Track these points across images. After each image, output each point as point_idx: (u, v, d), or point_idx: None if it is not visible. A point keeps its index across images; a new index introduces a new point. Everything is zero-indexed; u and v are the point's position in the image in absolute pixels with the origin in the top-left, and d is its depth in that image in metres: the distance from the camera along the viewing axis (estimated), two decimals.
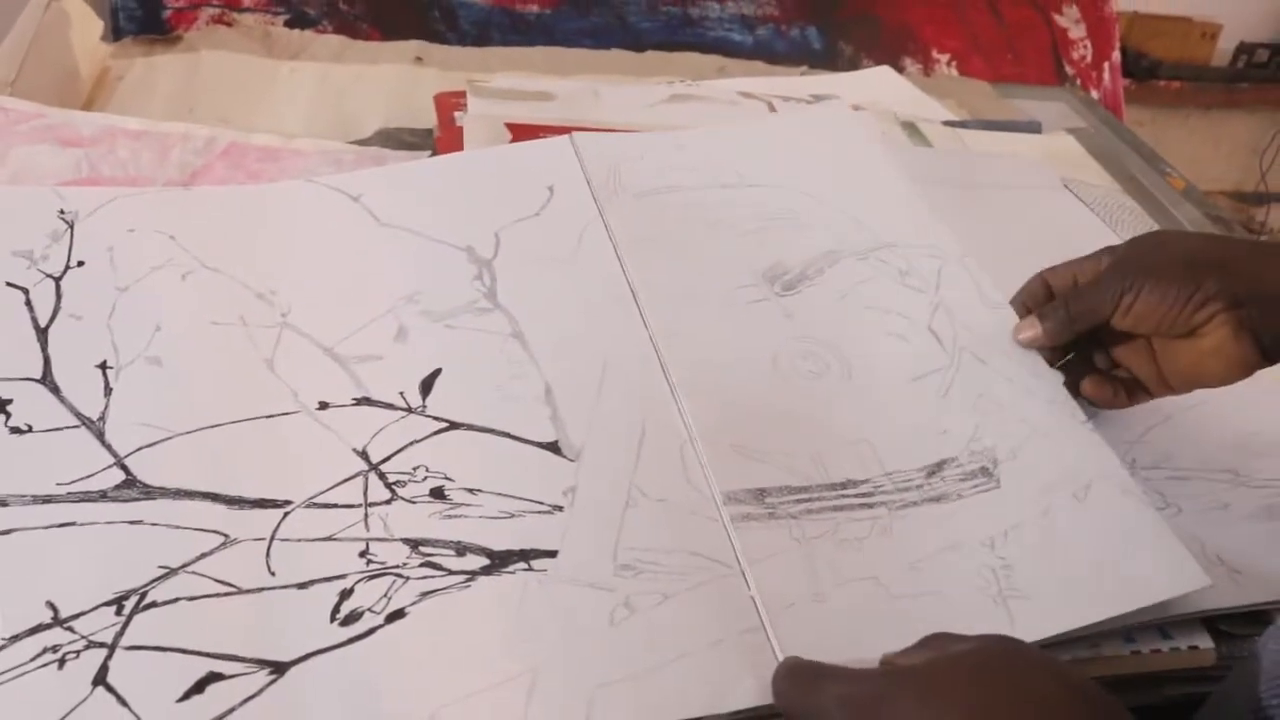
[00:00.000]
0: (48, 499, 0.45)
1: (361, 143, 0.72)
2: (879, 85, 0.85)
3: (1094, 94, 1.26)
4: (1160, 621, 0.46)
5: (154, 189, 0.63)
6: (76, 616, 0.41)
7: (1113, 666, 0.45)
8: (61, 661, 0.39)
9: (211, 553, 0.44)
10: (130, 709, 0.38)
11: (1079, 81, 1.26)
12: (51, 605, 0.41)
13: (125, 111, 0.73)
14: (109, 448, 0.47)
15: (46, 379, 0.50)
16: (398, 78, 0.81)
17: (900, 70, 1.10)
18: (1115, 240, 0.70)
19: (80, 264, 0.56)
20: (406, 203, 0.61)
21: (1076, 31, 1.27)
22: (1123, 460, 0.52)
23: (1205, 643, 0.46)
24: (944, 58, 1.20)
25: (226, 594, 0.42)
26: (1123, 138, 0.87)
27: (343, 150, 0.69)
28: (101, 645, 0.40)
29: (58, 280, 0.55)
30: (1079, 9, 1.25)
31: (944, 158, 0.75)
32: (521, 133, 0.69)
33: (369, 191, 0.61)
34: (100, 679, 0.39)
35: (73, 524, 0.44)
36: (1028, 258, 0.66)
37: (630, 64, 0.86)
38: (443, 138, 0.70)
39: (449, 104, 0.72)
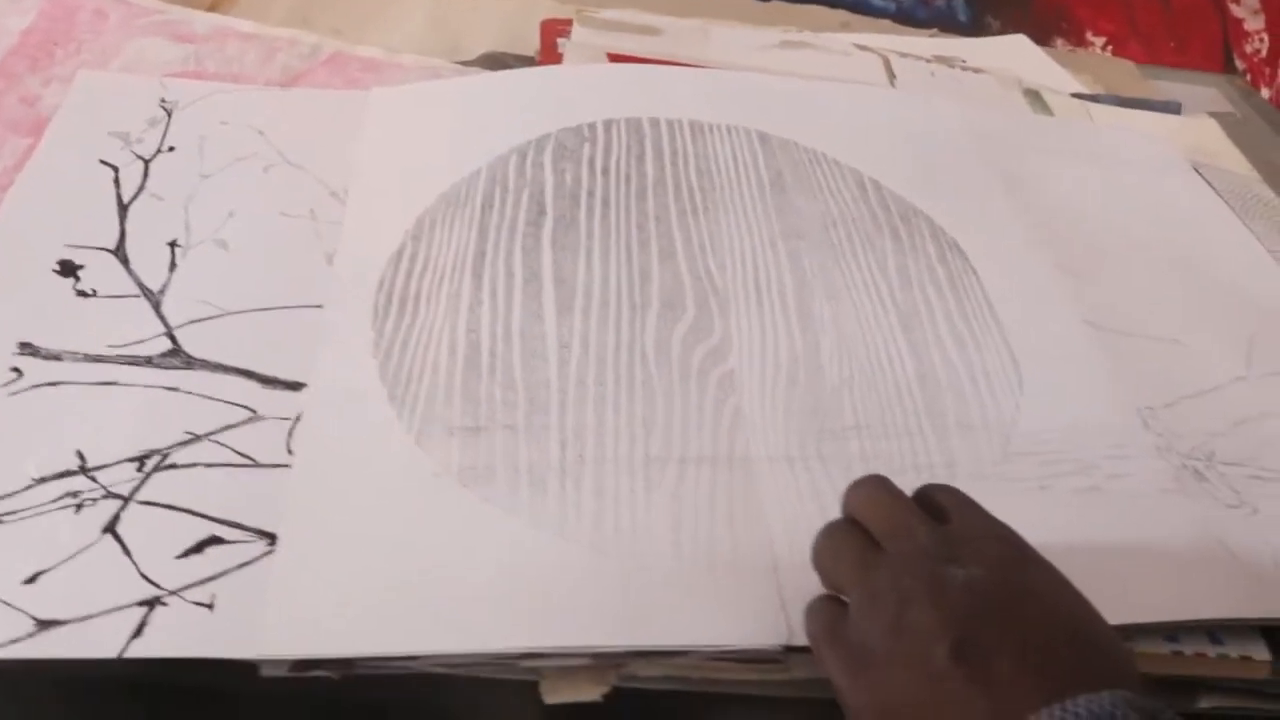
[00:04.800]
0: (98, 358, 0.46)
1: (466, 63, 0.72)
2: (1010, 53, 0.81)
3: (1264, 91, 1.18)
4: (1211, 624, 0.42)
5: (254, 87, 0.64)
6: (101, 468, 0.42)
7: (1148, 665, 0.41)
8: (79, 507, 0.41)
9: (238, 425, 0.44)
10: (131, 558, 0.39)
11: (1249, 77, 1.17)
12: (80, 454, 0.42)
13: (247, 16, 0.74)
14: (163, 318, 0.49)
15: (119, 250, 0.52)
16: (515, 3, 0.80)
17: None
18: (1243, 231, 0.65)
19: (171, 149, 0.58)
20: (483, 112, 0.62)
21: (1253, 23, 1.18)
22: (1199, 451, 0.48)
23: (1261, 653, 0.42)
24: (1099, 41, 1.13)
25: (243, 465, 0.43)
26: (1277, 129, 0.81)
27: (444, 68, 0.69)
28: (118, 497, 0.41)
29: (147, 162, 0.57)
30: None
31: (1060, 126, 0.70)
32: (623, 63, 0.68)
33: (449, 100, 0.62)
34: (110, 528, 0.40)
35: (115, 383, 0.45)
36: (1141, 236, 0.62)
37: (751, 11, 0.84)
38: (542, 64, 0.69)
39: (554, 30, 0.71)
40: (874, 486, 0.39)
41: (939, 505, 0.38)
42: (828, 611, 0.37)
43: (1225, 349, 0.55)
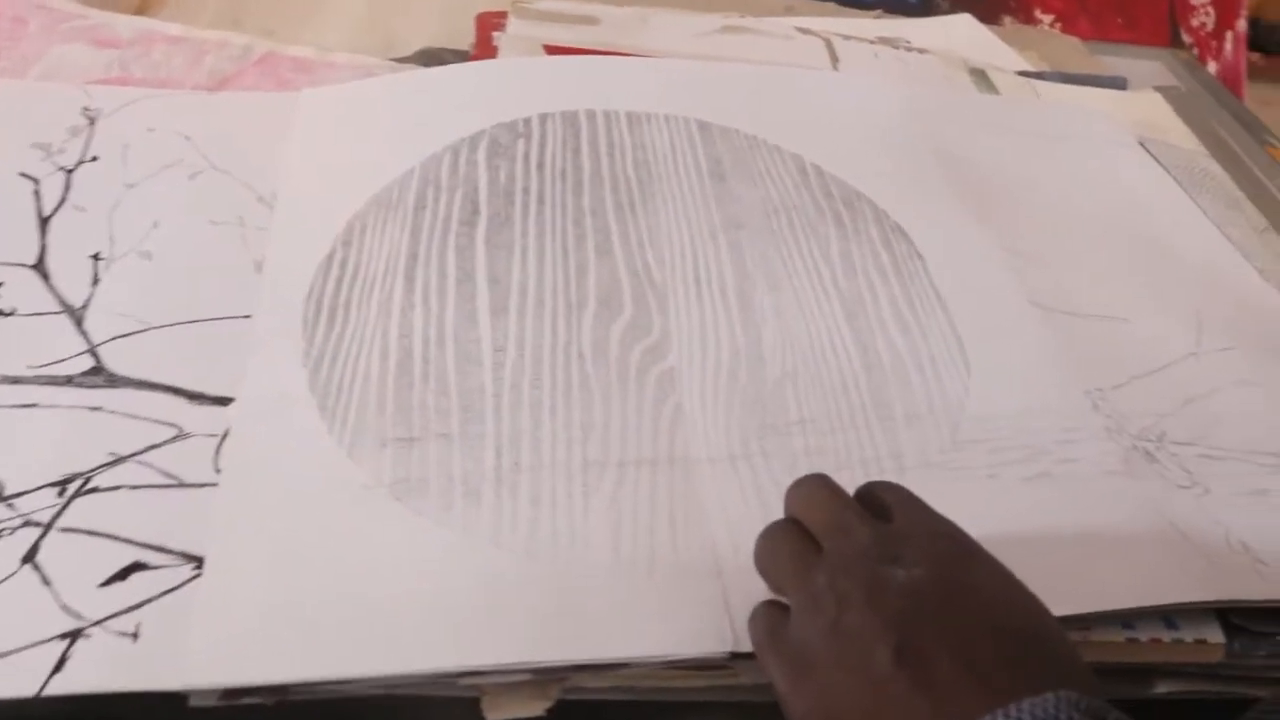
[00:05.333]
0: (16, 380, 0.45)
1: (401, 60, 0.70)
2: (955, 32, 0.80)
3: (1211, 65, 1.18)
4: (1166, 609, 0.41)
5: (180, 92, 0.63)
6: (19, 495, 0.40)
7: (1103, 653, 0.40)
8: None
9: (163, 444, 0.43)
10: (52, 588, 0.38)
11: (1196, 50, 1.17)
12: None
13: (175, 19, 0.72)
14: (85, 335, 0.47)
15: (39, 265, 0.50)
16: None
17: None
18: (1190, 206, 0.65)
19: (94, 159, 0.57)
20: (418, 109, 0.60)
21: None
22: (1150, 433, 0.48)
23: (1215, 636, 0.41)
24: (1047, 19, 1.13)
25: (169, 486, 0.42)
26: (1223, 103, 0.80)
27: (378, 66, 0.68)
28: (38, 525, 0.39)
29: (70, 173, 0.55)
30: None
31: (1005, 104, 0.70)
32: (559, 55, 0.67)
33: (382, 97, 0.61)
34: (29, 557, 0.38)
35: (35, 405, 0.44)
36: (1087, 213, 0.62)
37: None
38: (478, 58, 0.68)
39: (489, 24, 0.70)
40: (814, 485, 0.38)
41: (882, 503, 0.37)
42: (769, 616, 0.36)
43: (1174, 326, 0.54)
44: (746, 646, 0.37)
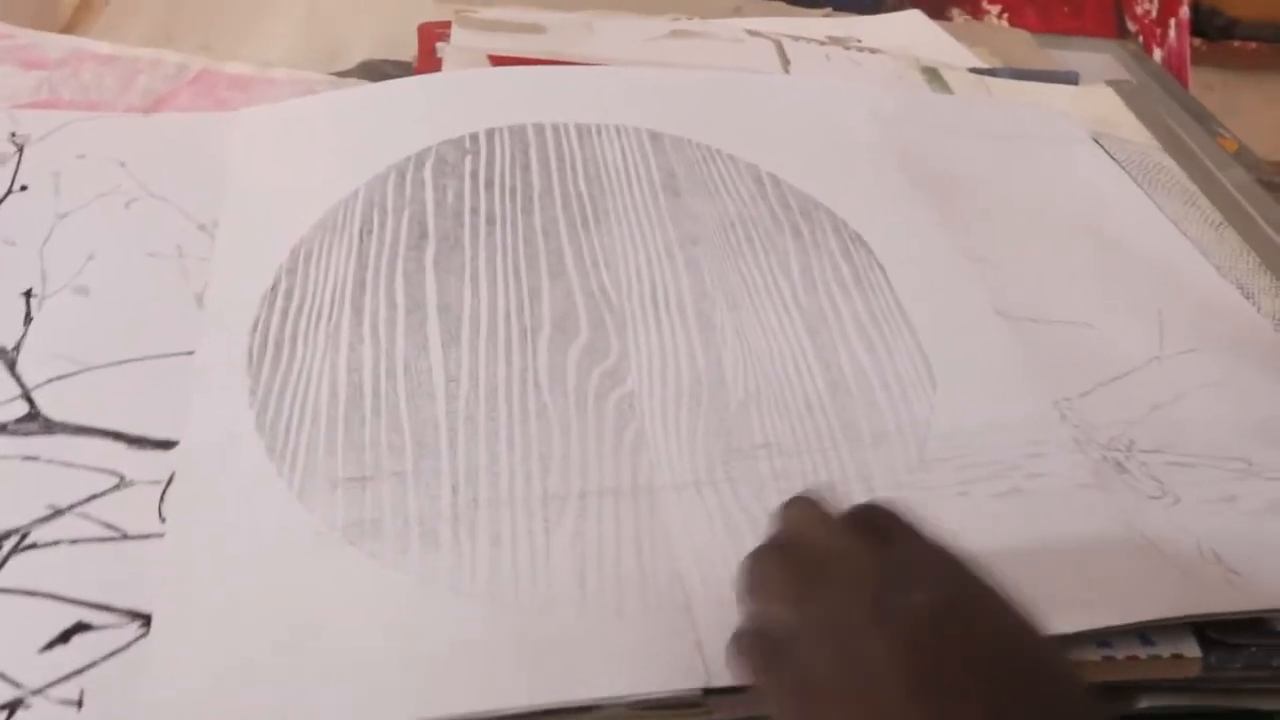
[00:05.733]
0: None
1: (343, 74, 0.68)
2: (905, 29, 0.79)
3: (1157, 53, 1.18)
4: (1141, 625, 0.41)
5: (112, 114, 0.60)
6: None
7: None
8: None
9: (105, 493, 0.41)
10: None
11: (1141, 39, 1.18)
12: None
13: (106, 37, 0.70)
14: (18, 379, 0.45)
15: None
16: (393, 8, 0.77)
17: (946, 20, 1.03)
18: (1147, 203, 0.64)
19: (24, 188, 0.54)
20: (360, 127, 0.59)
21: None
22: (1119, 442, 0.47)
23: (1191, 650, 0.40)
24: (994, 9, 1.13)
25: (111, 539, 0.40)
26: (1173, 95, 0.80)
27: (318, 81, 0.66)
28: None
29: None
30: None
31: (959, 104, 0.69)
32: (504, 66, 0.65)
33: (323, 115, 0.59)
34: None
35: None
36: (1047, 214, 0.61)
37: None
38: (420, 70, 0.66)
39: (432, 34, 0.68)
40: (806, 505, 0.37)
41: (877, 524, 0.36)
42: (761, 641, 0.34)
43: (1138, 329, 0.54)
44: (720, 682, 0.36)
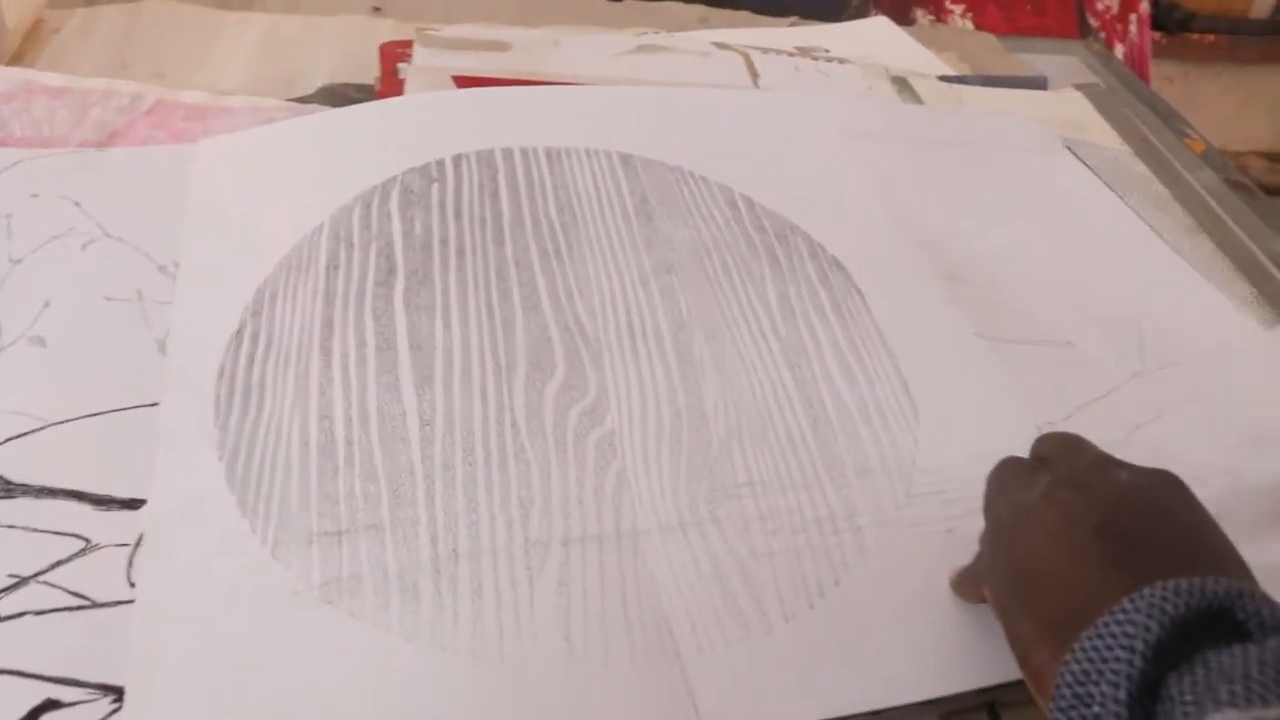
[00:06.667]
0: None
1: (303, 99, 0.67)
2: (872, 37, 0.79)
3: (1119, 48, 1.19)
4: None
5: (65, 151, 0.58)
6: None
7: None
8: None
9: (70, 559, 0.40)
10: None
11: (1103, 35, 1.18)
12: None
13: (56, 67, 0.68)
14: None
15: None
16: (352, 29, 0.75)
17: (911, 23, 1.03)
18: (1124, 209, 0.64)
19: None
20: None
21: None
22: None
23: None
24: (958, 9, 1.13)
25: (78, 608, 0.38)
26: (1139, 95, 0.80)
27: (277, 108, 0.64)
28: None
29: None
30: None
31: (933, 115, 0.68)
32: (469, 86, 0.64)
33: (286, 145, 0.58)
34: None
35: None
36: (1023, 226, 0.61)
37: (605, 14, 0.80)
38: (383, 92, 0.64)
39: (394, 55, 0.66)
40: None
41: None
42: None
43: (1119, 343, 0.53)
44: None
